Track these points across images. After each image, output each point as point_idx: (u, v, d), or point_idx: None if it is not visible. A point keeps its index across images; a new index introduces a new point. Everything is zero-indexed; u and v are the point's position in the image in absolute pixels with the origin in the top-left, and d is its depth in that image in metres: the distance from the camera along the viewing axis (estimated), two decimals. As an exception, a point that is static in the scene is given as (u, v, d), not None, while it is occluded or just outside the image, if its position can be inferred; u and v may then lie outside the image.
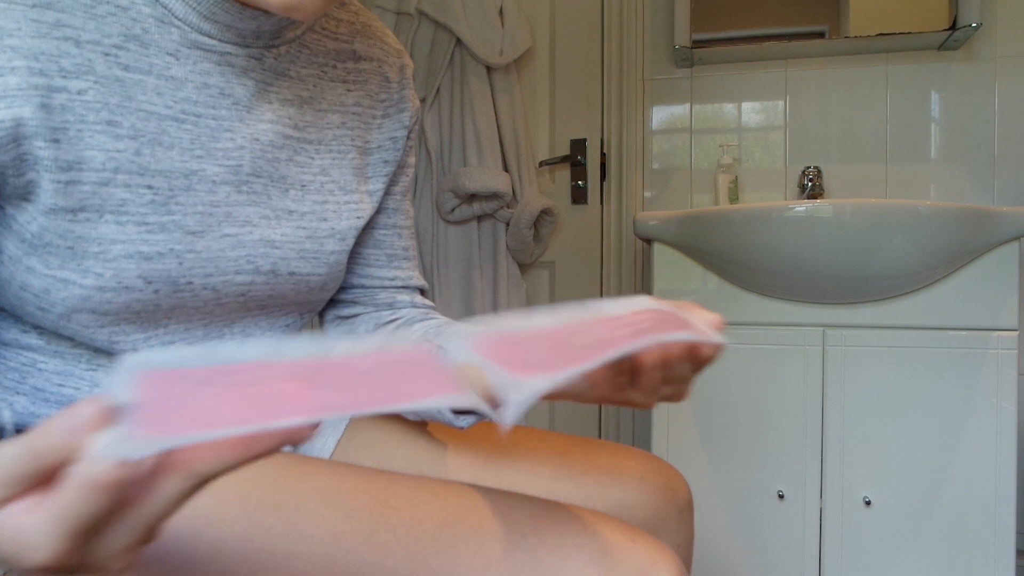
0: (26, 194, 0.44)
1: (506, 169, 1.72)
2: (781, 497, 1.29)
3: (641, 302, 0.42)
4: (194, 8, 0.47)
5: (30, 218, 0.44)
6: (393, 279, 0.68)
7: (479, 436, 0.67)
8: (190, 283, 0.51)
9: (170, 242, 0.49)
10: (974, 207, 1.15)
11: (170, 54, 0.48)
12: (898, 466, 1.24)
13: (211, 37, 0.49)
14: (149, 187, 0.47)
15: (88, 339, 0.50)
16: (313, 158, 0.58)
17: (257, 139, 0.53)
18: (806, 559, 1.28)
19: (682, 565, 0.45)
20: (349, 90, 0.62)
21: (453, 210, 1.72)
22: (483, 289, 1.74)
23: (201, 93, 0.49)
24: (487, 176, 1.65)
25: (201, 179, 0.50)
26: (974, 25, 1.45)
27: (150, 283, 0.48)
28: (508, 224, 1.72)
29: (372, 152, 0.64)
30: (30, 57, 0.42)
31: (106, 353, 0.53)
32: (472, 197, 1.69)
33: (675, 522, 0.63)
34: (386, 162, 0.65)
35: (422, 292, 0.71)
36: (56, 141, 0.44)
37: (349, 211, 0.60)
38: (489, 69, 1.71)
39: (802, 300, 1.28)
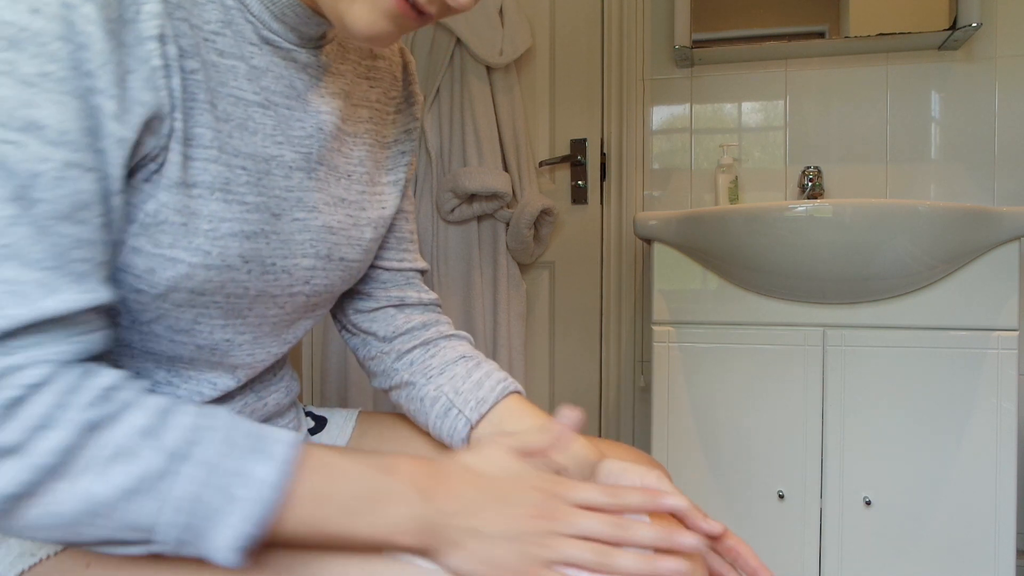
0: (150, 173, 0.45)
1: (506, 169, 1.72)
2: (781, 497, 1.29)
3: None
4: (268, 8, 0.51)
5: (146, 196, 0.45)
6: (401, 261, 0.71)
7: None
8: (274, 264, 0.54)
9: (261, 222, 0.51)
10: (974, 207, 1.15)
11: (253, 44, 0.51)
12: (898, 466, 1.24)
13: (277, 35, 0.52)
14: (243, 168, 0.50)
15: (170, 323, 0.50)
16: (353, 149, 0.61)
17: (321, 128, 0.56)
18: (806, 559, 1.28)
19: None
20: (372, 86, 0.65)
21: (453, 210, 1.72)
22: (483, 289, 1.74)
23: (278, 83, 0.53)
24: (487, 176, 1.65)
25: (279, 164, 0.53)
26: (974, 25, 1.45)
27: (247, 262, 0.51)
28: (508, 224, 1.72)
29: (391, 146, 0.67)
30: (168, 32, 0.44)
31: (162, 377, 0.53)
32: (472, 197, 1.69)
33: None
34: (404, 152, 0.68)
35: (422, 273, 0.75)
36: (184, 114, 0.46)
37: (376, 202, 0.64)
38: (489, 69, 1.71)
39: (802, 300, 1.28)
